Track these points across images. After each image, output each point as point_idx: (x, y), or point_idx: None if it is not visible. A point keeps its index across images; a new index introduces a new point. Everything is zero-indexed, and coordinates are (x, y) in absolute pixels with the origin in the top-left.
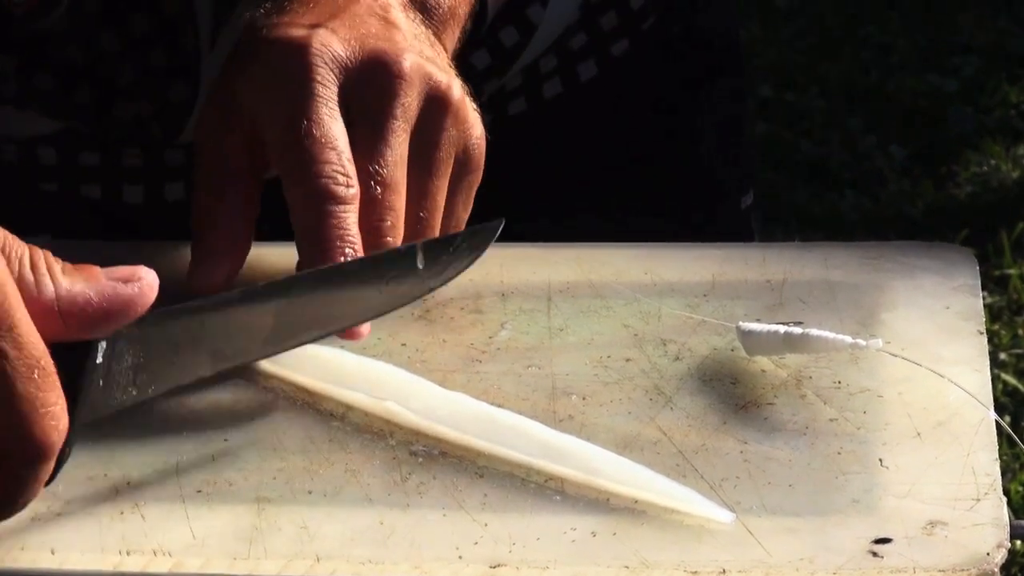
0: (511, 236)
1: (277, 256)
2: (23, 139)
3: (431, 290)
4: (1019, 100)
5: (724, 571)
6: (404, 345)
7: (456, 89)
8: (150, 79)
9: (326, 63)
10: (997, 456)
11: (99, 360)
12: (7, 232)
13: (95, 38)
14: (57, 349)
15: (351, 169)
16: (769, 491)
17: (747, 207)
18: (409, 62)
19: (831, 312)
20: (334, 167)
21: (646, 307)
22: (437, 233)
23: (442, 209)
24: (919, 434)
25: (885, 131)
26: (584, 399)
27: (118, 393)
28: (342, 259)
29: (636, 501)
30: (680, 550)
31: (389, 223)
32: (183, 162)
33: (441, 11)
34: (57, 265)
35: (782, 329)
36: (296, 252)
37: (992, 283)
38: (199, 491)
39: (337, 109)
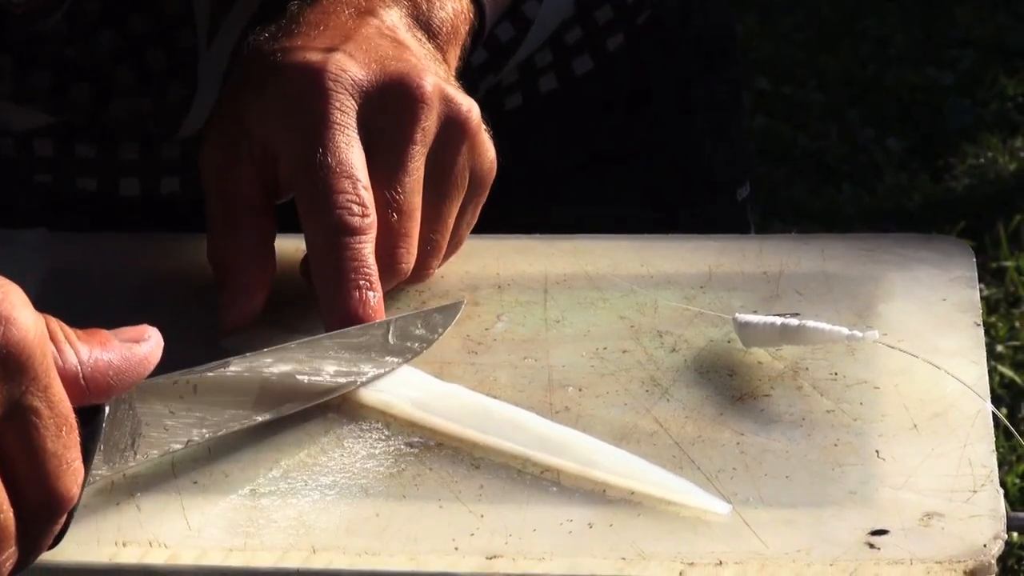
0: (508, 229)
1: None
2: (19, 132)
3: (398, 365)
4: (1016, 93)
5: (720, 562)
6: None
7: (474, 113)
8: (148, 78)
9: (345, 88)
10: (994, 448)
11: (104, 425)
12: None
13: (93, 38)
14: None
15: (367, 198)
16: (766, 482)
17: (743, 199)
18: (430, 84)
19: (828, 304)
20: (349, 197)
21: (642, 299)
22: (443, 252)
23: (451, 230)
24: (916, 426)
25: (882, 124)
26: (580, 390)
27: (116, 457)
28: (356, 292)
29: (632, 492)
30: (676, 541)
31: (404, 250)
32: (179, 156)
33: (445, 31)
34: (72, 334)
35: (779, 321)
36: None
37: (989, 275)
38: (195, 483)
39: (356, 135)
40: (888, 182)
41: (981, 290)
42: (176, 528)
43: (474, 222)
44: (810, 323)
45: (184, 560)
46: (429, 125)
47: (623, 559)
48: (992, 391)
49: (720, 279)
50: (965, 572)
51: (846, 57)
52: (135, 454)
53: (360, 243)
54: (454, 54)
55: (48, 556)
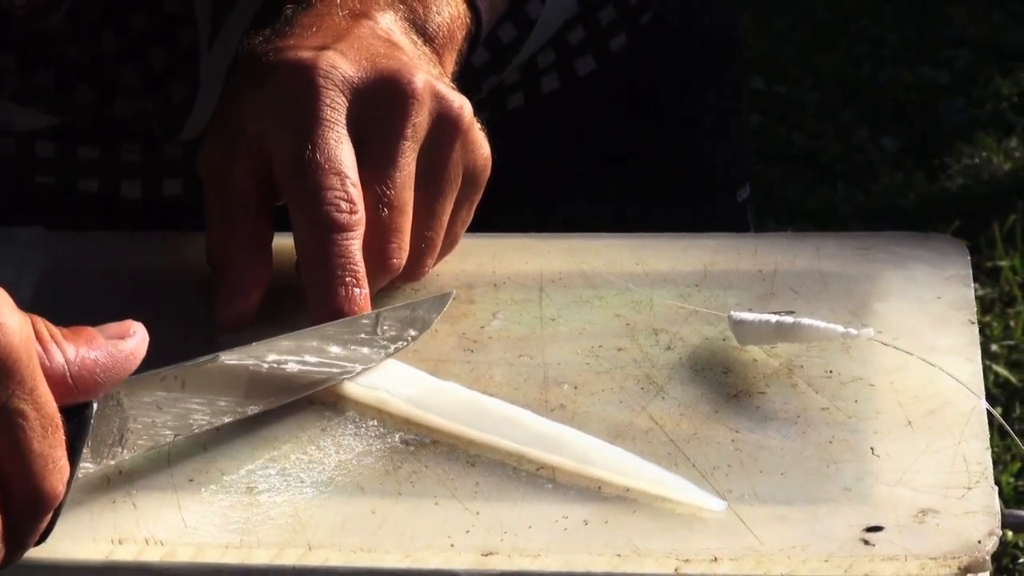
0: (509, 229)
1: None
2: (21, 132)
3: (387, 357)
4: (1011, 93)
5: (716, 559)
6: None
7: (466, 110)
8: (150, 78)
9: (335, 85)
10: (988, 445)
11: (92, 421)
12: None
13: (95, 38)
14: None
15: (356, 195)
16: (761, 479)
17: (743, 200)
18: (420, 81)
19: (823, 302)
20: (337, 194)
21: (638, 297)
22: (438, 250)
23: (445, 227)
24: (910, 423)
25: (877, 123)
26: (576, 388)
27: (105, 452)
28: (342, 288)
29: (628, 489)
30: (672, 538)
31: (395, 245)
32: (181, 158)
33: (440, 35)
34: (58, 333)
35: (774, 319)
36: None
37: (984, 275)
38: (191, 480)
39: (345, 132)
40: (883, 181)
41: (976, 290)
42: (172, 525)
43: (469, 220)
44: (805, 321)
45: (180, 557)
46: (420, 121)
47: (618, 556)
48: (987, 391)
49: (715, 277)
50: (960, 568)
51: (841, 56)
52: (123, 449)
53: (347, 239)
54: (450, 59)
55: (44, 553)
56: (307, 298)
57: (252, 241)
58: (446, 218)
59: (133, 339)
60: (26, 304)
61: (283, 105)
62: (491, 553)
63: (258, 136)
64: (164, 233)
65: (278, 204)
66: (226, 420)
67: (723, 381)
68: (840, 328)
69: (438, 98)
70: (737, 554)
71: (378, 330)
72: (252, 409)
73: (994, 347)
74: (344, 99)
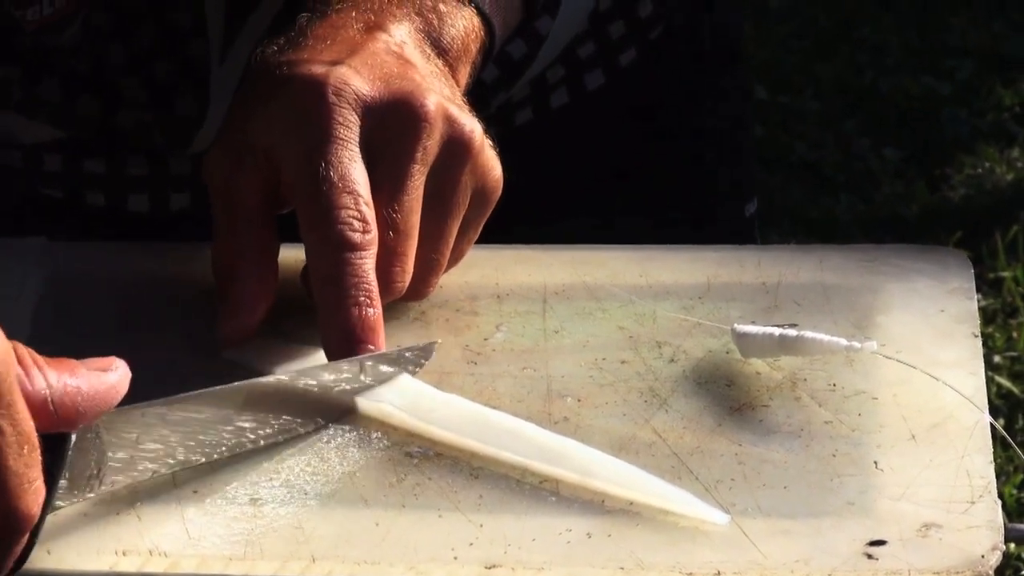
0: (513, 241)
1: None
2: (28, 145)
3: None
4: (1013, 103)
5: (719, 573)
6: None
7: (477, 134)
8: (157, 91)
9: (348, 103)
10: (992, 459)
11: (70, 452)
12: None
13: (103, 50)
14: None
15: (369, 214)
16: (764, 493)
17: (751, 215)
18: (432, 104)
19: (826, 314)
20: (351, 213)
21: (641, 309)
22: (443, 269)
23: (451, 249)
24: (914, 436)
25: (879, 133)
26: (579, 401)
27: (82, 485)
28: (355, 308)
29: (631, 503)
30: (675, 552)
31: (399, 269)
32: (189, 172)
33: (455, 49)
34: (40, 359)
35: (777, 331)
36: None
37: (986, 286)
38: (195, 492)
39: (358, 151)
40: (885, 191)
41: (978, 300)
42: (176, 537)
43: (475, 238)
44: (808, 334)
45: (184, 569)
46: (431, 144)
47: (621, 569)
48: (989, 402)
49: (718, 290)
50: None
51: (843, 66)
52: (100, 483)
53: (361, 259)
54: (464, 72)
55: (48, 565)
56: (318, 316)
57: (257, 254)
58: (452, 240)
59: (115, 373)
60: (29, 314)
61: (295, 120)
62: (494, 566)
63: (267, 149)
64: (168, 243)
65: (284, 212)
66: (201, 461)
67: (726, 394)
68: (843, 341)
69: (450, 121)
70: (740, 568)
71: (361, 378)
72: (229, 451)
73: (997, 358)
74: (357, 117)
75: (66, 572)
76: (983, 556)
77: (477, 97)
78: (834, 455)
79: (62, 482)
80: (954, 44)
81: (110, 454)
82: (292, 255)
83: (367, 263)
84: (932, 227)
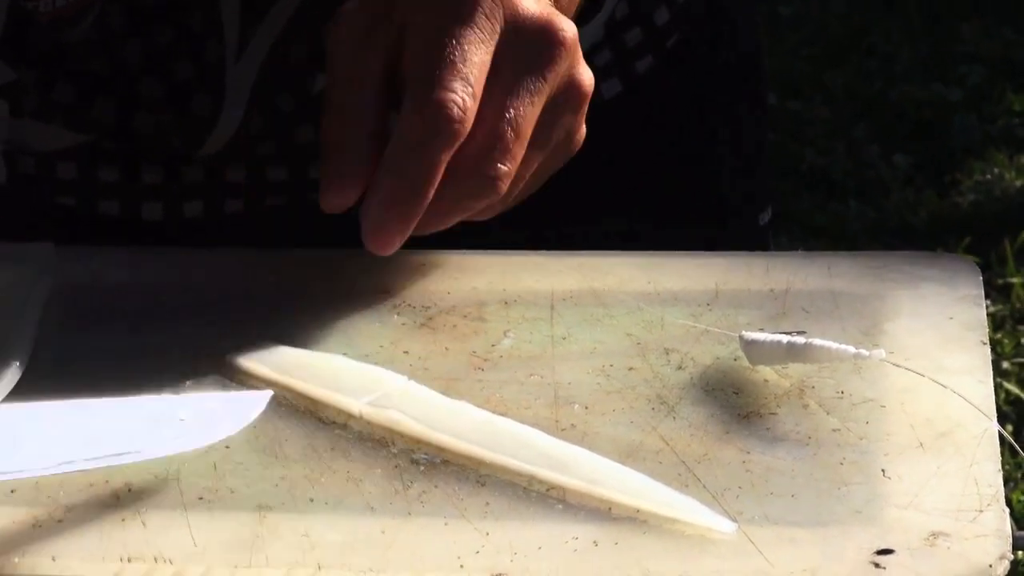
0: (527, 245)
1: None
2: (42, 152)
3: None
4: (1023, 109)
5: None
6: (407, 353)
7: (591, 87)
8: (173, 91)
9: (499, 3)
10: (1000, 467)
11: None
12: None
13: (119, 49)
14: None
15: (471, 107)
16: (771, 501)
17: (765, 224)
18: (571, 34)
19: (834, 322)
20: (456, 97)
21: (649, 316)
22: (517, 162)
23: (523, 179)
24: (922, 445)
25: (889, 140)
26: (586, 408)
27: None
28: (409, 195)
29: (638, 511)
30: (682, 560)
31: (507, 168)
32: (203, 180)
33: None
34: None
35: (785, 339)
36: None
37: (995, 292)
38: (200, 498)
39: (489, 48)
40: (894, 198)
41: (987, 307)
42: (181, 544)
43: (573, 139)
44: (816, 341)
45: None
46: (560, 71)
47: None
48: (998, 408)
49: (727, 297)
50: None
51: (853, 73)
52: None
53: (439, 149)
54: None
55: (53, 571)
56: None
57: (371, 127)
58: (534, 164)
59: None
60: (36, 320)
61: (439, 5)
62: (501, 574)
63: (405, 20)
64: (177, 249)
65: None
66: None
67: (734, 402)
68: (852, 349)
69: (577, 61)
70: None
71: (180, 415)
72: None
73: (1005, 364)
74: (500, 18)
75: None
76: (991, 565)
77: None
78: (842, 463)
79: None
80: (964, 51)
81: None
82: (305, 258)
83: (443, 155)
84: (941, 233)
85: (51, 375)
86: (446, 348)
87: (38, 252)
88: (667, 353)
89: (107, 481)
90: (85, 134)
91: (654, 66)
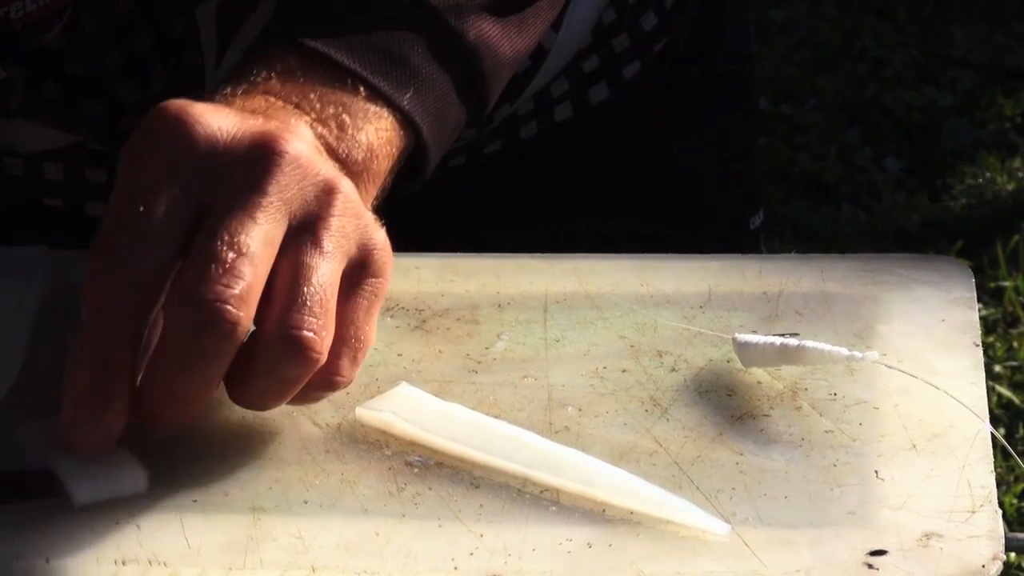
0: (518, 250)
1: None
2: (29, 154)
3: None
4: (1014, 114)
5: None
6: (400, 355)
7: (346, 184)
8: (153, 96)
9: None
10: (992, 468)
11: None
12: None
13: (98, 54)
14: None
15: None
16: (765, 503)
17: (756, 227)
18: (293, 146)
19: (827, 324)
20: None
21: (642, 318)
22: (325, 322)
23: (328, 292)
24: (915, 446)
25: (881, 144)
26: (580, 410)
27: None
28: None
29: (632, 512)
30: (676, 561)
31: (316, 323)
32: None
33: (356, 162)
34: None
35: (778, 341)
36: None
37: (987, 295)
38: (195, 501)
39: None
40: (886, 202)
41: (979, 310)
42: (176, 546)
43: (373, 319)
44: (809, 343)
45: None
46: (287, 181)
47: None
48: (990, 412)
49: (720, 299)
50: None
51: (844, 77)
52: None
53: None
54: (370, 184)
55: (46, 574)
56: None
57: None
58: (328, 279)
59: None
60: (29, 324)
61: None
62: None
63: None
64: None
65: None
66: None
67: (727, 403)
68: (845, 351)
69: (311, 166)
70: None
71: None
72: None
73: (997, 367)
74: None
75: None
76: (983, 566)
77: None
78: (835, 465)
79: None
80: (955, 55)
81: None
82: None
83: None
84: (933, 237)
85: (45, 378)
86: (440, 351)
87: (30, 256)
88: (660, 355)
89: None
90: (74, 134)
91: (642, 71)
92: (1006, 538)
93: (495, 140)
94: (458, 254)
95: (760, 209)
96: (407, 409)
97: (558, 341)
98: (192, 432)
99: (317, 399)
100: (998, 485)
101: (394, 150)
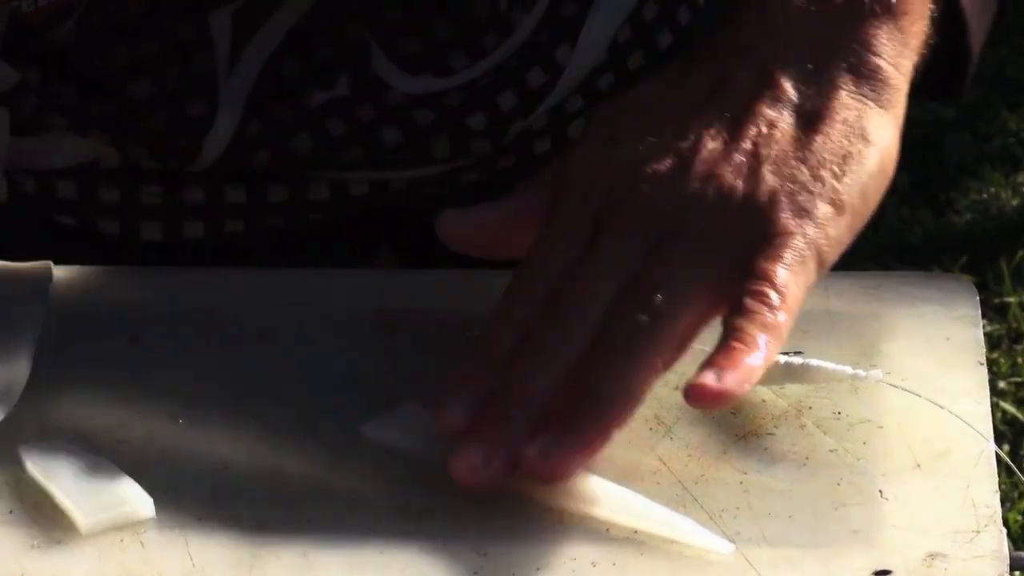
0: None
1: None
2: (42, 171)
3: None
4: (1018, 128)
5: None
6: (407, 372)
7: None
8: (165, 96)
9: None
10: (997, 488)
11: None
12: None
13: (108, 53)
14: None
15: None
16: (769, 522)
17: None
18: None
19: (831, 342)
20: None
21: None
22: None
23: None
24: (919, 465)
25: None
26: None
27: None
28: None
29: (636, 531)
30: None
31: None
32: (203, 200)
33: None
34: None
35: (782, 359)
36: None
37: (992, 311)
38: (199, 519)
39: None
40: (890, 217)
41: (984, 326)
42: (180, 565)
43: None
44: (814, 362)
45: None
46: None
47: None
48: (994, 427)
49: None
50: None
51: None
52: None
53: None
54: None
55: None
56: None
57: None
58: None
59: None
60: (34, 340)
61: None
62: None
63: None
64: (177, 269)
65: None
66: None
67: (731, 422)
68: (849, 369)
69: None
70: None
71: None
72: None
73: (1002, 384)
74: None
75: None
76: None
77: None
78: (839, 484)
79: None
80: None
81: None
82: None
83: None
84: (937, 252)
85: (50, 394)
86: (447, 368)
87: (36, 271)
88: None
89: None
90: (86, 137)
91: None
92: (1011, 557)
93: (509, 155)
94: (464, 270)
95: None
96: (413, 428)
97: None
98: (197, 449)
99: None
100: (1003, 502)
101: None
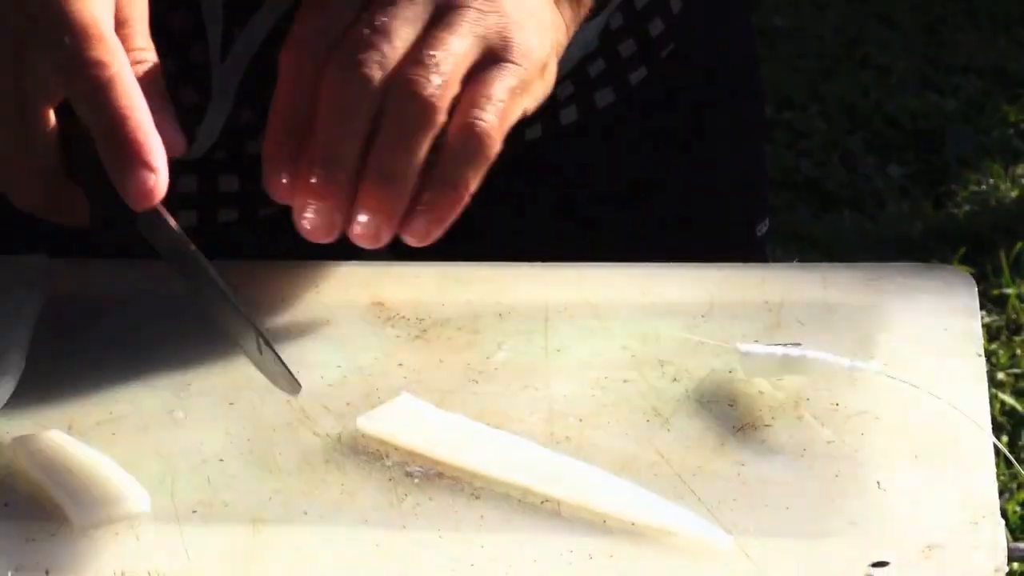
0: (522, 257)
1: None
2: None
3: None
4: (1018, 120)
5: None
6: (401, 365)
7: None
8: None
9: None
10: (995, 479)
11: None
12: None
13: None
14: None
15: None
16: (766, 513)
17: (762, 235)
18: None
19: (829, 334)
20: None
21: (644, 328)
22: (444, 93)
23: (455, 59)
24: (917, 456)
25: (884, 151)
26: (581, 420)
27: None
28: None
29: (633, 523)
30: (677, 572)
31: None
32: (197, 189)
33: None
34: None
35: (780, 351)
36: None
37: (990, 303)
38: (194, 512)
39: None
40: (889, 209)
41: (982, 317)
42: (175, 558)
43: (517, 103)
44: (812, 354)
45: None
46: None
47: None
48: (993, 419)
49: (722, 308)
50: None
51: (848, 84)
52: None
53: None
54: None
55: None
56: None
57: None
58: (453, 47)
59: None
60: (29, 332)
61: None
62: None
63: None
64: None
65: None
66: None
67: (729, 414)
68: (847, 361)
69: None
70: None
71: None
72: None
73: (1000, 375)
74: None
75: None
76: None
77: None
78: (836, 475)
79: None
80: (958, 62)
81: None
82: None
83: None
84: (937, 244)
85: (45, 386)
86: (440, 360)
87: (32, 264)
88: (662, 365)
89: None
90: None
91: (648, 77)
92: (1009, 549)
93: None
94: (458, 262)
95: (766, 217)
96: (408, 419)
97: (559, 351)
98: (192, 442)
99: (472, 167)
100: (1001, 493)
101: None
